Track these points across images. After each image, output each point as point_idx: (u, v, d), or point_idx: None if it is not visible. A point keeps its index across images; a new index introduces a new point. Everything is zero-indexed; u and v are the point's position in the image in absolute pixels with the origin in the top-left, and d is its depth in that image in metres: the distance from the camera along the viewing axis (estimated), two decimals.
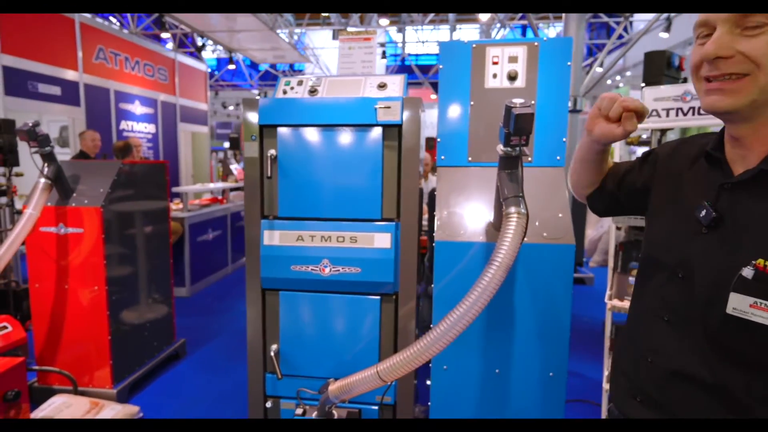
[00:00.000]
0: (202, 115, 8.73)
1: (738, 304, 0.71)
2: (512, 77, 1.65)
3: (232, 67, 9.12)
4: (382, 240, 1.71)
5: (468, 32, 16.80)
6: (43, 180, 2.59)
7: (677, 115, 1.72)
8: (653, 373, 0.82)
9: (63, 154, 7.73)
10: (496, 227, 1.63)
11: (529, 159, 1.70)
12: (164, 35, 7.79)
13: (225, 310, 4.66)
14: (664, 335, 0.81)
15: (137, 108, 6.84)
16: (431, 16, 13.45)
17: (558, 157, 1.70)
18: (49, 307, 2.82)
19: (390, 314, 1.79)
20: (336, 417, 1.76)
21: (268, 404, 1.88)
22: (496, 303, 1.62)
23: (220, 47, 9.76)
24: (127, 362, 2.99)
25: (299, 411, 1.80)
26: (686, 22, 16.08)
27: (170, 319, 3.50)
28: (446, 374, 1.72)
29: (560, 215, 1.64)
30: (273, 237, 1.75)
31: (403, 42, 15.08)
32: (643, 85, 1.91)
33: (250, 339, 1.85)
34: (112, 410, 2.67)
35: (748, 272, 0.70)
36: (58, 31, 5.45)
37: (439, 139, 1.74)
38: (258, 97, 1.77)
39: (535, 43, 1.64)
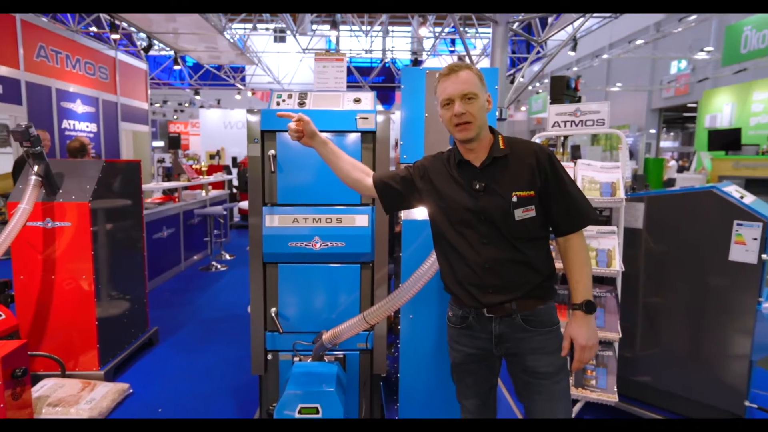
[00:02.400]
0: (143, 115, 8.63)
1: (518, 214, 1.45)
2: None
3: (177, 67, 9.06)
4: (362, 220, 2.20)
5: (399, 41, 17.52)
6: (33, 177, 2.79)
7: (571, 126, 2.39)
8: (494, 272, 1.48)
9: (2, 154, 7.37)
10: None
11: None
12: (113, 36, 7.61)
13: (186, 303, 4.87)
14: (489, 250, 1.48)
15: (79, 107, 6.72)
16: (366, 17, 13.99)
17: None
18: (35, 297, 3.00)
19: (368, 278, 2.30)
20: (326, 361, 2.23)
21: (269, 357, 2.30)
22: None
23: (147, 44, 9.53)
24: (110, 347, 3.23)
25: (296, 359, 2.24)
26: (587, 44, 18.01)
27: (144, 308, 3.74)
28: (412, 322, 2.26)
29: None
30: (273, 220, 2.19)
31: (337, 44, 15.50)
32: (549, 101, 2.57)
33: (252, 304, 2.26)
34: (105, 387, 2.93)
35: (515, 199, 1.45)
36: None
37: (402, 142, 2.27)
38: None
39: None
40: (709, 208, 2.25)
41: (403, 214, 2.20)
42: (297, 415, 1.93)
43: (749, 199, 2.29)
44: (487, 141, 1.51)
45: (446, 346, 2.28)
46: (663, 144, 23.06)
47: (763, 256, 2.11)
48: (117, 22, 7.66)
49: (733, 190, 2.29)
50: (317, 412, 1.92)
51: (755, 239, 2.09)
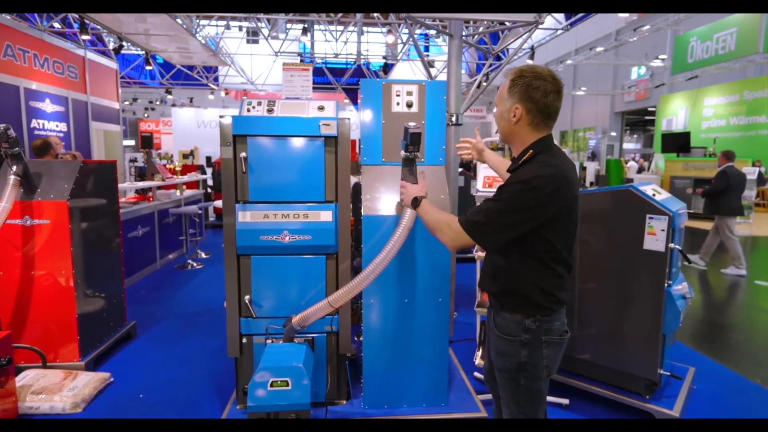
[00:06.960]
0: (114, 114, 8.61)
1: None
2: (409, 105, 2.49)
3: (149, 67, 9.07)
4: (326, 215, 2.46)
5: (373, 43, 17.79)
6: (13, 177, 2.93)
7: None
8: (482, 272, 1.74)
9: None
10: (401, 205, 2.46)
11: (422, 159, 2.55)
12: (83, 37, 7.57)
13: (163, 300, 5.01)
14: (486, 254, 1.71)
15: (48, 106, 6.71)
16: (336, 18, 14.18)
17: (440, 158, 2.58)
18: (14, 292, 3.12)
19: (333, 268, 2.55)
20: (296, 343, 2.47)
21: (244, 341, 2.53)
22: (404, 255, 2.46)
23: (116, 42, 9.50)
24: (90, 340, 3.37)
25: (269, 342, 2.48)
26: (553, 49, 18.67)
27: (122, 303, 3.88)
28: (373, 306, 2.53)
29: (442, 196, 2.52)
30: (246, 216, 2.42)
31: (312, 46, 15.61)
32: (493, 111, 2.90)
33: (228, 292, 2.49)
34: (87, 376, 3.09)
35: None
36: None
37: (362, 146, 2.54)
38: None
39: (423, 84, 2.50)
40: (627, 205, 2.61)
41: (364, 210, 2.47)
42: (269, 389, 2.17)
43: (662, 196, 2.66)
44: (517, 153, 1.59)
45: (403, 326, 2.58)
46: (626, 146, 24.12)
47: (670, 245, 2.47)
48: (86, 21, 7.65)
49: (649, 189, 2.65)
50: (287, 385, 2.17)
51: (663, 230, 2.45)
